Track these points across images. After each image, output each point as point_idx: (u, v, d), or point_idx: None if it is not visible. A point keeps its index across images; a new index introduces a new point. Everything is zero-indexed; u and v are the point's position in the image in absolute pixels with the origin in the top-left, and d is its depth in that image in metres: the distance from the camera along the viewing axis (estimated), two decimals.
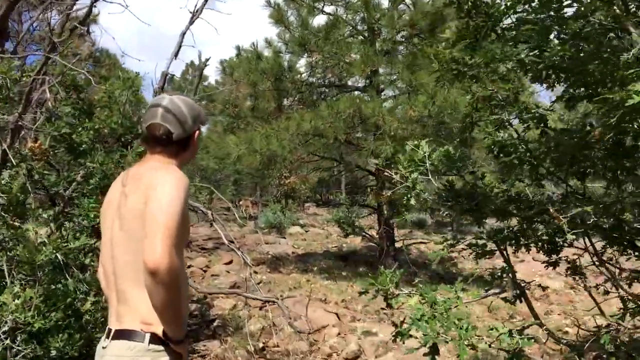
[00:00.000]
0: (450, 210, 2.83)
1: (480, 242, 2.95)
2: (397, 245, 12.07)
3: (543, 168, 3.04)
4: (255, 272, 11.61)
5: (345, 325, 7.47)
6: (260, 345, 6.72)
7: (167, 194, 2.01)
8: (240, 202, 38.14)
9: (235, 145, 10.27)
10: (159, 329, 2.02)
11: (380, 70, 10.83)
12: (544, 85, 2.92)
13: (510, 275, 2.76)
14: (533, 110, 3.44)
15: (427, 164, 2.97)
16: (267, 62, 10.54)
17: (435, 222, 30.09)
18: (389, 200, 9.96)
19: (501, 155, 3.52)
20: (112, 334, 2.09)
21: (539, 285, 3.46)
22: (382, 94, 10.86)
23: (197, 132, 2.41)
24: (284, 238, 18.62)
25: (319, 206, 35.66)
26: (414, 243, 13.44)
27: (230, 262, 12.12)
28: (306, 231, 23.36)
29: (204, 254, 13.41)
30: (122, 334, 2.07)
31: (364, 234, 13.28)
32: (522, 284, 2.93)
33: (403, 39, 10.95)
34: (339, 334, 7.14)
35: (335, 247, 17.02)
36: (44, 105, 6.11)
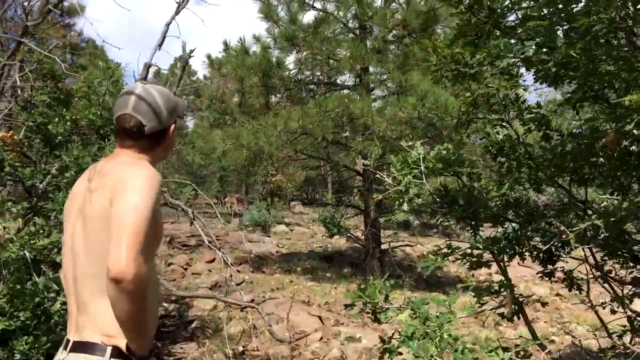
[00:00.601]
0: (445, 217, 2.64)
1: (476, 252, 2.75)
2: (383, 247, 11.89)
3: (543, 173, 2.86)
4: (238, 272, 11.36)
5: (328, 330, 7.27)
6: (240, 349, 6.49)
7: (136, 193, 1.79)
8: (226, 199, 37.82)
9: (221, 140, 10.02)
10: (122, 343, 1.81)
11: (371, 69, 10.64)
12: (547, 84, 2.73)
13: (508, 289, 2.57)
14: (535, 111, 3.26)
15: (422, 167, 2.77)
16: (255, 57, 10.30)
17: (421, 224, 30.03)
18: (377, 202, 9.80)
19: (499, 157, 3.33)
20: (70, 345, 1.88)
21: (538, 301, 3.26)
22: (372, 93, 10.68)
23: (173, 126, 2.19)
24: (269, 237, 18.37)
25: (305, 205, 35.44)
26: (401, 246, 13.26)
27: (213, 260, 11.85)
28: (291, 230, 23.12)
29: (185, 252, 13.13)
30: (81, 346, 1.85)
31: (349, 234, 13.08)
32: (521, 299, 2.74)
33: (394, 39, 10.76)
34: (321, 338, 6.93)
35: (320, 247, 16.81)
36: (20, 94, 5.83)
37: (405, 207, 2.64)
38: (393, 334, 2.40)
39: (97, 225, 1.86)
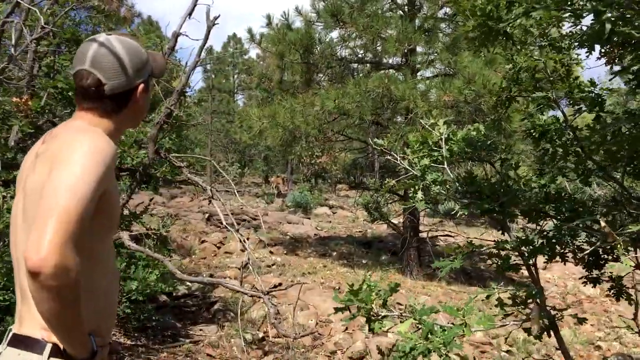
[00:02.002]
0: (467, 209, 2.21)
1: (503, 252, 2.31)
2: (423, 235, 11.39)
3: (593, 162, 2.38)
4: (271, 253, 11.14)
5: (355, 320, 6.90)
6: (260, 335, 6.23)
7: (75, 168, 1.45)
8: (272, 179, 37.90)
9: (257, 118, 9.72)
10: None
11: (418, 49, 10.08)
12: (600, 51, 2.25)
13: (538, 300, 2.13)
14: (587, 89, 2.75)
15: (444, 149, 2.34)
16: (297, 32, 9.90)
17: (469, 213, 28.98)
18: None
19: (542, 141, 2.85)
20: (9, 337, 1.57)
21: (575, 316, 2.79)
22: (418, 74, 10.13)
23: (142, 86, 1.82)
24: (309, 219, 18.13)
25: (351, 188, 34.91)
26: (440, 235, 12.72)
27: (247, 239, 11.67)
28: (333, 213, 22.83)
29: (222, 229, 12.99)
30: (18, 341, 1.55)
31: (388, 221, 12.63)
32: (553, 312, 2.29)
33: (446, 16, 10.14)
34: (346, 329, 6.58)
35: (360, 232, 16.43)
36: (43, 59, 5.68)
37: (419, 195, 2.23)
38: (394, 346, 2.00)
39: (35, 200, 1.52)
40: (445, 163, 2.34)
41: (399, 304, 8.12)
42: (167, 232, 6.37)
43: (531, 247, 2.25)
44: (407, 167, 2.36)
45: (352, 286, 2.10)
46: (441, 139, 2.37)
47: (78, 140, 1.54)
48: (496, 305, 2.37)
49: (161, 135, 5.49)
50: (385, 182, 2.65)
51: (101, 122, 1.71)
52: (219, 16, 5.27)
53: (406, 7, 10.33)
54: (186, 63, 5.38)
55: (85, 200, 1.41)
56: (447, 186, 2.34)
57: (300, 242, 12.95)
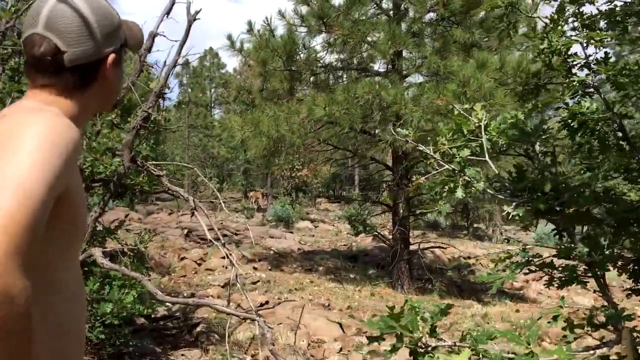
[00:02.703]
0: (518, 209, 1.79)
1: (562, 260, 1.88)
2: (412, 247, 10.98)
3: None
4: (255, 269, 10.62)
5: (349, 339, 6.43)
6: (248, 359, 5.71)
7: (23, 159, 0.99)
8: (251, 194, 37.32)
9: (239, 127, 9.25)
10: None
11: (405, 54, 9.75)
12: None
13: (623, 325, 1.70)
14: (635, 68, 2.36)
15: (484, 138, 1.92)
16: (280, 39, 9.50)
17: (451, 225, 28.94)
18: (408, 196, 8.93)
19: (581, 133, 2.44)
20: None
21: None
22: (405, 80, 9.79)
23: (113, 56, 1.35)
24: (291, 233, 17.62)
25: (331, 201, 34.62)
26: (431, 247, 12.34)
27: (231, 254, 11.13)
28: (315, 227, 22.37)
29: (202, 246, 12.42)
30: None
31: (376, 233, 12.20)
32: None
33: (433, 21, 9.85)
34: (341, 349, 6.10)
35: (345, 245, 15.98)
36: (7, 62, 5.16)
37: (459, 193, 1.81)
38: None
39: None
40: (487, 155, 1.93)
41: None
42: (145, 248, 5.84)
43: (601, 255, 1.83)
44: (438, 159, 1.95)
45: (392, 309, 1.65)
46: (479, 126, 1.96)
47: (28, 123, 1.09)
48: (564, 328, 1.93)
49: (137, 141, 5.00)
50: (414, 179, 2.23)
51: (59, 101, 1.25)
52: (200, 11, 4.84)
53: (392, 11, 10.02)
54: (164, 62, 4.92)
55: (38, 202, 0.96)
56: (492, 183, 1.93)
57: (285, 257, 12.44)
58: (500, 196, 1.90)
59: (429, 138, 2.43)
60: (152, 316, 6.57)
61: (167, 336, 6.26)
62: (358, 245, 15.74)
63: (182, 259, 10.27)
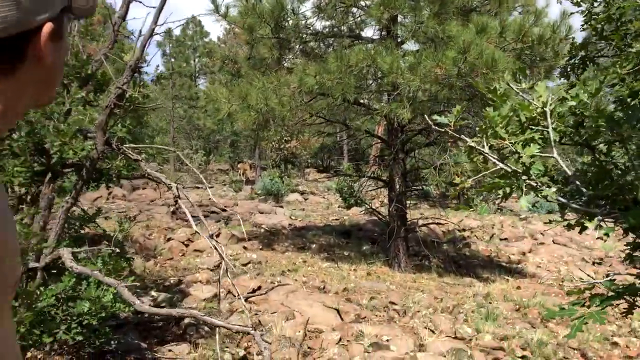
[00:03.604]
0: (606, 228, 1.33)
1: None
2: (410, 223, 10.58)
3: None
4: (245, 248, 10.18)
5: (347, 327, 6.03)
6: (242, 353, 5.29)
7: None
8: (239, 165, 36.74)
9: (226, 100, 8.67)
10: None
11: (400, 19, 9.16)
12: None
13: None
14: None
15: (550, 127, 1.44)
16: (268, 3, 8.85)
17: (441, 195, 28.60)
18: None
19: None
20: None
21: None
22: (401, 48, 9.21)
23: (51, 27, 0.80)
24: (281, 207, 17.16)
25: (320, 172, 34.13)
26: (431, 223, 11.94)
27: (218, 234, 10.65)
28: (305, 199, 21.94)
29: (189, 224, 11.93)
30: None
31: (368, 206, 11.78)
32: None
33: None
34: (340, 340, 5.70)
35: (337, 219, 15.57)
36: None
37: (524, 202, 1.34)
38: None
39: None
40: (555, 150, 1.46)
41: (392, 302, 7.31)
42: (125, 235, 5.34)
43: None
44: (493, 157, 1.48)
45: None
46: (543, 112, 1.49)
47: None
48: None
49: (112, 121, 4.46)
50: (460, 181, 1.75)
51: None
52: None
53: None
54: (140, 32, 4.35)
55: None
56: (564, 186, 1.47)
57: (276, 234, 11.99)
58: (574, 205, 1.44)
59: (475, 128, 1.93)
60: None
61: (153, 329, 5.82)
62: (350, 220, 15.35)
63: (169, 239, 9.78)
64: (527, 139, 1.41)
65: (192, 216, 4.49)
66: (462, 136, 1.66)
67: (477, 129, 1.68)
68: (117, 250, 5.26)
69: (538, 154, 1.41)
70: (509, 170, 1.41)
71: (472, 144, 1.52)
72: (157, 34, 4.19)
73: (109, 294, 4.30)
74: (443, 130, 1.66)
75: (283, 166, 25.84)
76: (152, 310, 3.09)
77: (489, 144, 1.51)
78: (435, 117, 1.72)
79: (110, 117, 4.15)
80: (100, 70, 4.98)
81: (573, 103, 1.71)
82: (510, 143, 1.43)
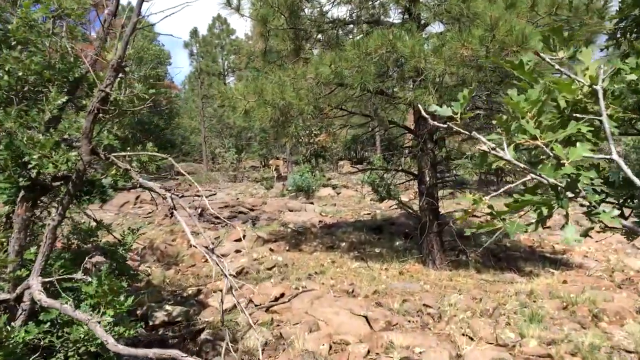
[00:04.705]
0: None
1: None
2: (442, 216, 9.95)
3: None
4: (272, 250, 9.77)
5: (377, 337, 5.53)
6: None
7: None
8: (271, 161, 36.44)
9: (242, 96, 8.23)
10: None
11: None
12: None
13: None
14: None
15: (604, 115, 0.92)
16: None
17: (479, 181, 27.64)
18: (434, 165, 7.86)
19: None
20: None
21: None
22: (424, 31, 8.60)
23: None
24: (311, 203, 16.72)
25: (354, 164, 33.44)
26: (465, 217, 11.26)
27: (243, 237, 10.27)
28: (338, 193, 21.47)
29: (215, 226, 11.60)
30: None
31: (400, 203, 11.19)
32: None
33: None
34: (368, 352, 5.21)
35: (368, 214, 15.03)
36: None
37: (570, 234, 0.85)
38: None
39: None
40: (613, 147, 0.96)
41: (426, 305, 6.77)
42: (128, 250, 4.96)
43: None
44: (519, 163, 0.98)
45: None
46: (592, 92, 0.98)
47: None
48: None
49: (98, 127, 4.06)
50: (462, 215, 1.25)
51: None
52: None
53: None
54: (122, 26, 3.91)
55: None
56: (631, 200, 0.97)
57: (304, 233, 11.54)
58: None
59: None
60: (150, 323, 5.76)
61: (167, 347, 5.45)
62: (383, 214, 14.78)
63: (191, 245, 9.43)
64: (571, 135, 0.92)
65: (191, 232, 4.06)
66: (474, 133, 1.16)
67: (494, 122, 1.19)
68: (119, 267, 4.90)
69: (589, 156, 0.92)
70: (546, 182, 0.93)
71: (487, 146, 1.02)
72: (141, 28, 3.75)
73: (107, 316, 3.92)
74: (445, 125, 1.18)
75: (314, 160, 25.35)
76: (130, 352, 2.66)
77: (513, 143, 1.02)
78: (433, 107, 1.24)
79: (95, 123, 3.74)
80: (90, 75, 4.58)
81: (633, 77, 1.18)
82: (544, 143, 0.94)
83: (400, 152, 12.91)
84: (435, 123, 1.29)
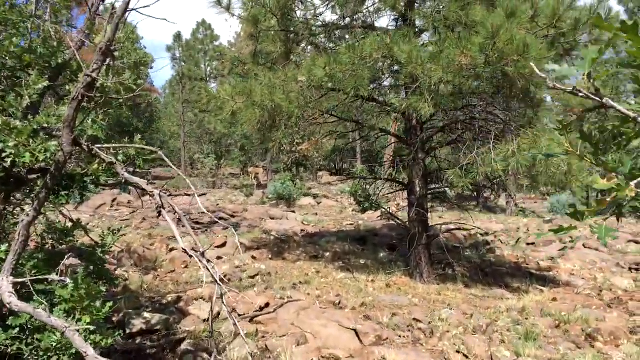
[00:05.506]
0: None
1: None
2: (431, 227, 9.74)
3: None
4: (254, 258, 9.44)
5: (368, 353, 5.25)
6: None
7: None
8: (250, 169, 36.07)
9: (229, 97, 7.94)
10: None
11: (418, 5, 8.38)
12: None
13: None
14: None
15: None
16: None
17: (457, 196, 27.59)
18: (425, 175, 7.64)
19: None
20: None
21: None
22: (420, 37, 8.43)
23: None
24: (293, 212, 16.42)
25: (333, 175, 33.32)
26: (455, 229, 11.10)
27: (224, 244, 9.92)
28: (318, 203, 21.22)
29: (196, 232, 11.20)
30: None
31: (389, 214, 10.97)
32: None
33: None
34: None
35: (351, 224, 14.78)
36: None
37: None
38: None
39: None
40: None
41: (416, 320, 6.51)
42: (107, 252, 4.62)
43: None
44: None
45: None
46: None
47: None
48: None
49: (82, 116, 3.73)
50: (614, 185, 1.02)
51: None
52: None
53: None
54: (112, 7, 3.62)
55: None
56: None
57: (287, 242, 11.22)
58: None
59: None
60: (127, 331, 5.40)
61: (144, 358, 5.09)
62: (366, 224, 14.54)
63: (171, 250, 9.07)
64: None
65: (181, 236, 3.75)
66: (606, 99, 0.92)
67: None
68: (98, 268, 4.55)
69: None
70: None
71: (631, 113, 0.79)
72: (133, 9, 3.45)
73: (83, 321, 3.58)
74: (565, 91, 0.96)
75: (295, 169, 25.09)
76: None
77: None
78: (549, 65, 1.03)
79: (79, 112, 3.42)
80: (75, 60, 4.27)
81: None
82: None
83: (382, 163, 12.72)
84: (554, 85, 1.06)
